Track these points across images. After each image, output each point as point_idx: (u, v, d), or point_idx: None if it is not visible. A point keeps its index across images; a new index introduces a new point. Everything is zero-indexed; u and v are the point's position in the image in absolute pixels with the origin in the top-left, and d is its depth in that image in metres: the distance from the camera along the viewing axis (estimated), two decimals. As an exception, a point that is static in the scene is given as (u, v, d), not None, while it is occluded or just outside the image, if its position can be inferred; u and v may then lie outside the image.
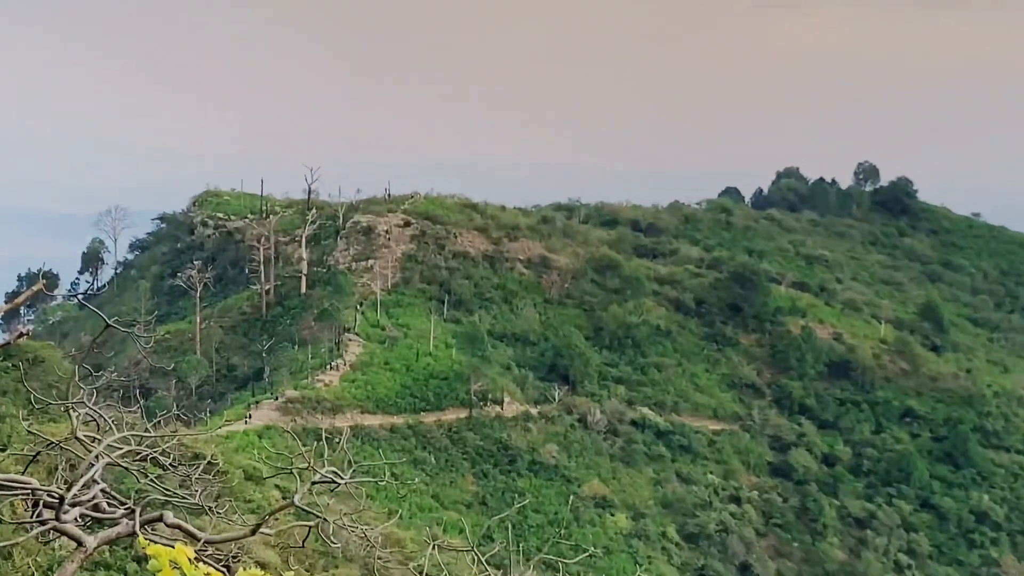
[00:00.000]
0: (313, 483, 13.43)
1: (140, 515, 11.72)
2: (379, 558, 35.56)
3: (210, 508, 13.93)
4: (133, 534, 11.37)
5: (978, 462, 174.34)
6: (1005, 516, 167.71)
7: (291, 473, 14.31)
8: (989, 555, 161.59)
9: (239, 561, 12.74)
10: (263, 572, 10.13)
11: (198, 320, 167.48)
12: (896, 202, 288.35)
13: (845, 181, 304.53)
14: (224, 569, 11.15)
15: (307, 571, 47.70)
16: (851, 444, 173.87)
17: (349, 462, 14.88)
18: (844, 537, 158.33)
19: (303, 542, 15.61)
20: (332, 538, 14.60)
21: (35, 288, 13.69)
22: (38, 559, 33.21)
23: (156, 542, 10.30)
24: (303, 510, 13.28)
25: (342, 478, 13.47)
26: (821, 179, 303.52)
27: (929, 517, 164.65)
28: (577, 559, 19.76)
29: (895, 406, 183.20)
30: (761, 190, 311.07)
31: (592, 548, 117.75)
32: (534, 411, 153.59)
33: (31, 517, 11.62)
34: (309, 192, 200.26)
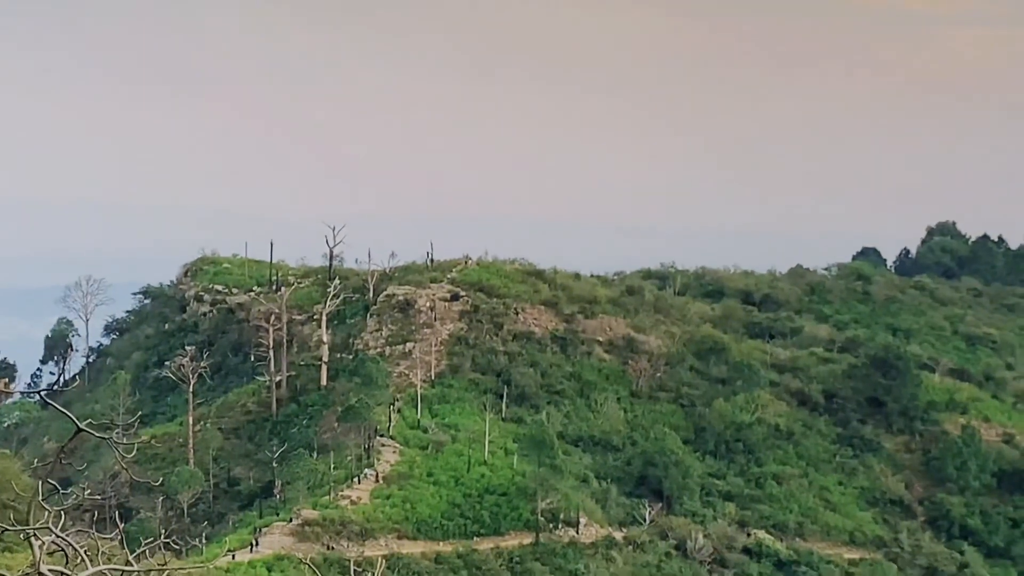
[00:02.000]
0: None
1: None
2: None
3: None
4: None
5: None
6: None
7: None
8: None
9: None
10: None
11: (191, 421, 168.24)
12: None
13: (1016, 239, 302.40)
14: None
15: None
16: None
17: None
18: None
19: None
20: None
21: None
22: None
23: None
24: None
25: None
26: (985, 237, 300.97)
27: None
28: None
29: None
30: (907, 251, 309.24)
31: None
32: (619, 535, 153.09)
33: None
34: (331, 258, 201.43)
